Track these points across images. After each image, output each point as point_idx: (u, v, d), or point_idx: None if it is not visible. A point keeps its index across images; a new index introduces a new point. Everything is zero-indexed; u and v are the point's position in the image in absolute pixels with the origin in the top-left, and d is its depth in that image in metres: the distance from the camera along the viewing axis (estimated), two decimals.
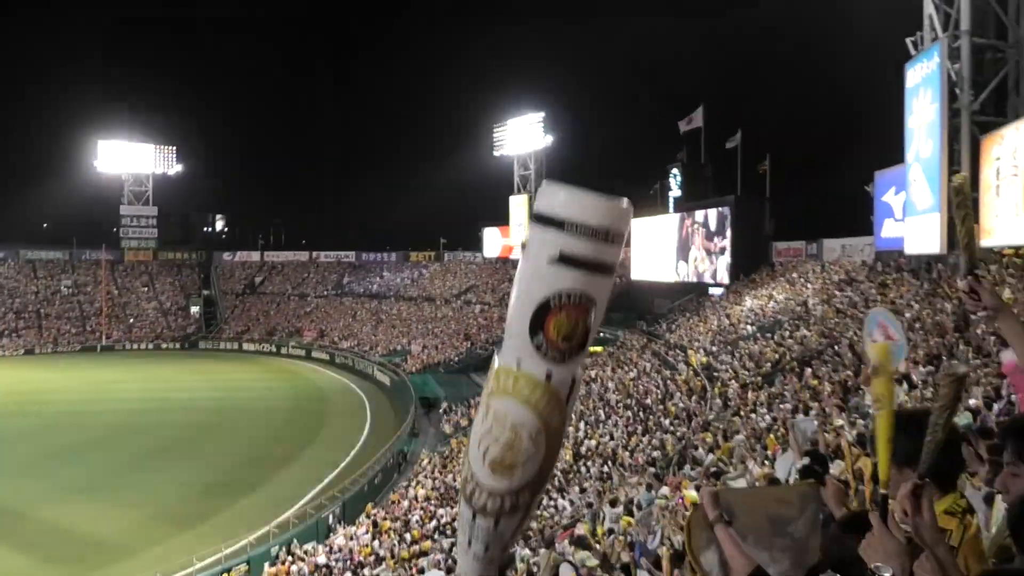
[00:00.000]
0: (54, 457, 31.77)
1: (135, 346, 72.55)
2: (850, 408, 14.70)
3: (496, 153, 74.62)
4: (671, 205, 50.33)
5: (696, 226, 45.67)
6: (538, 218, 1.50)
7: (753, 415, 19.11)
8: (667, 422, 23.14)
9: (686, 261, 47.01)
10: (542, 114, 69.87)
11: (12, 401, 44.56)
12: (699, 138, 49.16)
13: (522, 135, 71.40)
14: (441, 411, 39.66)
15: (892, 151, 28.91)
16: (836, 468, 7.79)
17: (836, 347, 21.87)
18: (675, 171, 50.54)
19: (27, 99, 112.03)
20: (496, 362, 1.63)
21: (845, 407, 14.93)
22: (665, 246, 49.50)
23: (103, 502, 26.12)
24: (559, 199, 1.49)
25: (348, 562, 19.38)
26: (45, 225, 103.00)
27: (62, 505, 25.69)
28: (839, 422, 13.33)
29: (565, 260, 1.47)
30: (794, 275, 35.39)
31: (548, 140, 69.97)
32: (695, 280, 45.75)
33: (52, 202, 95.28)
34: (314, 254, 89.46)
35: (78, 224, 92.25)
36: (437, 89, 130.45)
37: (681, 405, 24.17)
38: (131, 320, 76.76)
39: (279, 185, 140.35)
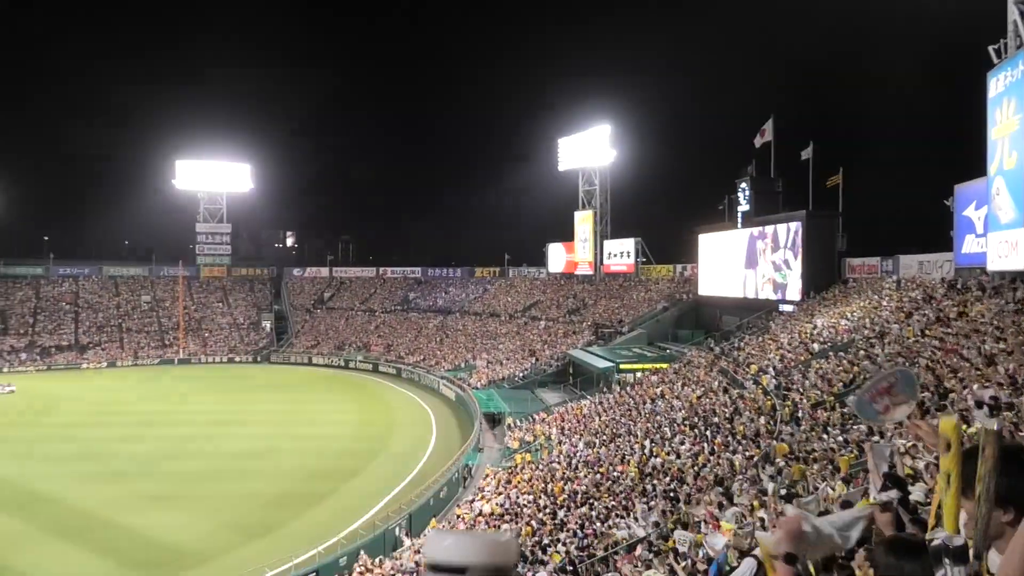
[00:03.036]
0: (135, 464, 33.11)
1: (210, 359, 75.01)
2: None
3: (561, 168, 74.52)
4: (739, 220, 49.40)
5: (766, 242, 44.80)
6: (435, 569, 1.55)
7: (825, 435, 18.57)
8: (735, 441, 22.65)
9: (755, 277, 46.12)
10: (608, 127, 69.08)
11: (97, 412, 46.64)
12: (768, 152, 48.21)
13: (587, 149, 70.97)
14: (505, 426, 39.74)
15: (972, 163, 27.91)
16: (919, 491, 7.53)
17: (914, 366, 21.10)
18: (744, 185, 49.56)
19: (109, 121, 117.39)
20: None
21: None
22: (733, 262, 48.65)
23: (179, 511, 26.97)
24: (457, 546, 1.57)
25: (415, 574, 19.51)
26: (127, 242, 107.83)
27: (141, 512, 26.66)
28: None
29: None
30: (869, 292, 34.32)
31: (613, 154, 69.32)
32: (764, 297, 44.82)
33: (133, 220, 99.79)
34: (381, 270, 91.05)
35: (157, 241, 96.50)
36: (503, 104, 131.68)
37: (750, 424, 23.64)
38: (206, 334, 79.29)
39: (348, 203, 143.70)
